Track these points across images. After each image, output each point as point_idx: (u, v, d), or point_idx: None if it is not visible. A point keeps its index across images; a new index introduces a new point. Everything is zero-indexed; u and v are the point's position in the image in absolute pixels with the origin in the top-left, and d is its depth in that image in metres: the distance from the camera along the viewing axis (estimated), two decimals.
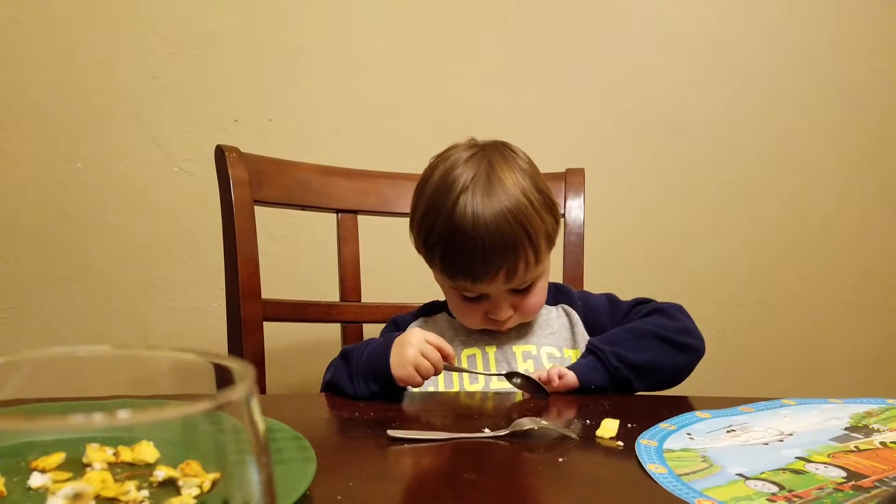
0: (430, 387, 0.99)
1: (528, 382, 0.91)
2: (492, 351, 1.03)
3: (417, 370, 0.89)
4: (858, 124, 1.76)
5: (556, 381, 0.91)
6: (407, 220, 1.10)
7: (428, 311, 1.10)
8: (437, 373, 0.91)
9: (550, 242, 1.00)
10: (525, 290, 0.99)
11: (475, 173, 0.95)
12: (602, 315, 1.07)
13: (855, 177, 1.77)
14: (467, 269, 0.94)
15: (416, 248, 1.04)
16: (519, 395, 0.92)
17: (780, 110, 1.73)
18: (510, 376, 0.92)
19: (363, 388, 0.90)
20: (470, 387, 1.00)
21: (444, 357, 0.91)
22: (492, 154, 0.98)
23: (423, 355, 0.89)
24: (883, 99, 1.76)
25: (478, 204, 0.93)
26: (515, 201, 0.94)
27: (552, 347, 1.04)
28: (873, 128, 1.76)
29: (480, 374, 0.99)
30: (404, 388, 0.92)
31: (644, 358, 0.94)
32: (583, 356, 0.97)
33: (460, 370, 0.97)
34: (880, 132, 1.77)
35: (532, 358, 1.02)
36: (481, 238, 0.92)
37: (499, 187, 0.94)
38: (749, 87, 1.71)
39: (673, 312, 1.01)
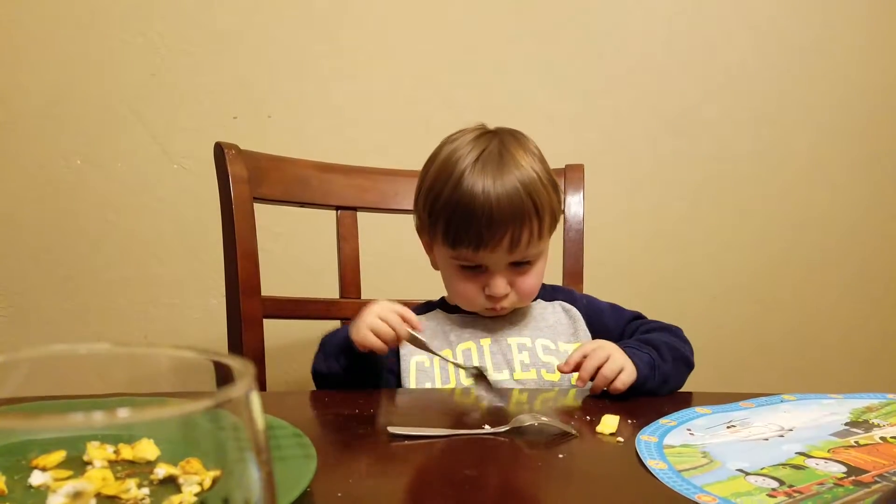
0: (427, 383, 1.00)
1: (484, 384, 0.89)
2: (486, 343, 1.03)
3: (375, 332, 0.88)
4: (855, 122, 1.76)
5: (620, 387, 0.87)
6: (406, 217, 1.11)
7: (422, 309, 1.11)
8: (398, 339, 0.89)
9: (554, 221, 1.02)
10: (524, 269, 1.00)
11: (486, 147, 0.98)
12: (607, 318, 1.09)
13: (852, 173, 1.77)
14: (472, 233, 0.95)
15: (419, 224, 1.05)
16: (515, 391, 0.92)
17: (777, 108, 1.73)
18: (473, 370, 0.90)
19: (334, 365, 0.92)
20: (467, 381, 1.00)
21: (407, 322, 0.90)
22: (503, 134, 1.02)
23: (381, 318, 0.88)
24: (880, 97, 1.76)
25: (489, 172, 0.95)
26: (526, 174, 0.97)
27: (547, 340, 1.04)
28: (870, 125, 1.76)
29: (445, 359, 0.96)
30: (375, 360, 0.92)
31: (677, 380, 0.96)
32: (637, 351, 0.93)
33: (425, 347, 0.92)
34: (877, 129, 1.77)
35: (527, 350, 1.02)
36: (489, 203, 0.94)
37: (510, 160, 0.97)
38: (748, 85, 1.71)
39: (683, 336, 1.04)
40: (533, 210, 0.96)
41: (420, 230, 1.07)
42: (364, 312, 0.90)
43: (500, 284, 0.99)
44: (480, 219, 0.94)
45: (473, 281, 1.01)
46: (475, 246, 0.96)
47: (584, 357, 0.89)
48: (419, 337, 0.90)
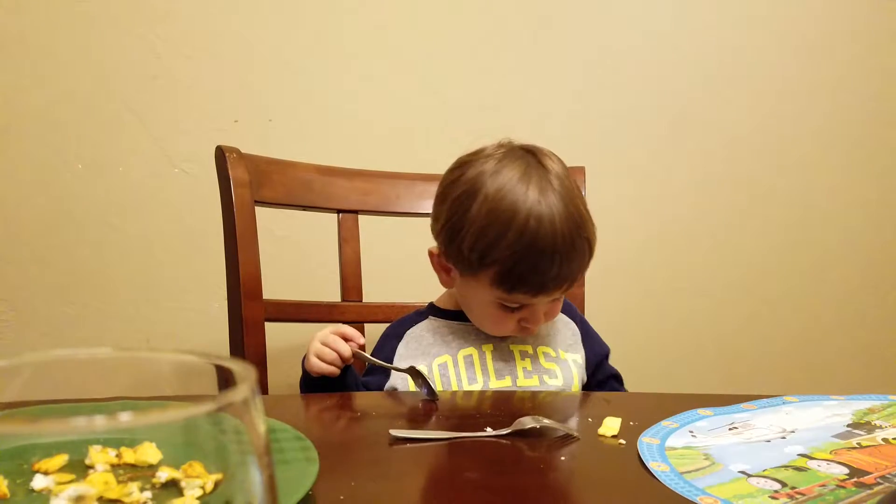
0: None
1: (423, 381, 0.89)
2: (489, 349, 1.03)
3: (320, 357, 0.93)
4: (859, 121, 1.76)
5: None
6: (408, 220, 1.10)
7: (415, 319, 1.09)
8: (345, 359, 0.93)
9: None
10: (559, 298, 1.01)
11: (540, 187, 0.94)
12: (597, 346, 1.11)
13: (856, 173, 1.77)
14: (536, 282, 0.94)
15: (455, 260, 0.99)
16: (515, 393, 0.92)
17: (780, 107, 1.73)
18: (409, 371, 0.91)
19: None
20: (469, 387, 1.00)
21: (349, 340, 0.94)
22: (549, 166, 0.98)
23: (324, 343, 0.93)
24: (883, 96, 1.76)
25: (557, 226, 0.92)
26: (581, 217, 0.96)
27: (548, 347, 1.05)
28: (874, 125, 1.76)
29: (383, 366, 0.98)
30: (339, 382, 0.96)
31: None
32: None
33: (367, 358, 0.95)
34: (881, 129, 1.77)
35: (529, 357, 1.03)
36: (559, 254, 0.92)
37: (569, 203, 0.95)
38: (750, 84, 1.71)
39: None
40: (588, 253, 0.97)
41: (444, 257, 1.02)
42: (311, 341, 0.95)
43: (541, 319, 0.99)
44: (549, 269, 0.93)
45: (512, 316, 0.99)
46: (535, 292, 0.95)
47: None
48: (361, 353, 0.95)
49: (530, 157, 0.98)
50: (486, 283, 0.96)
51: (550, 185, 0.95)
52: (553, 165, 0.98)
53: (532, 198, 0.93)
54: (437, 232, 1.01)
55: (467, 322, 1.06)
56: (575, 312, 1.13)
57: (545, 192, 0.94)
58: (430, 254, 1.05)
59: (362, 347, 0.96)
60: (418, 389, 0.90)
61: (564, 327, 1.09)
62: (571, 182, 0.98)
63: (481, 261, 0.95)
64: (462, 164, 0.99)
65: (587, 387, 1.07)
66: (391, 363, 1.02)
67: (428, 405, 0.86)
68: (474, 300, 1.01)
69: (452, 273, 1.02)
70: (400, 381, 1.01)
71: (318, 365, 0.94)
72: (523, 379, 1.00)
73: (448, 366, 1.01)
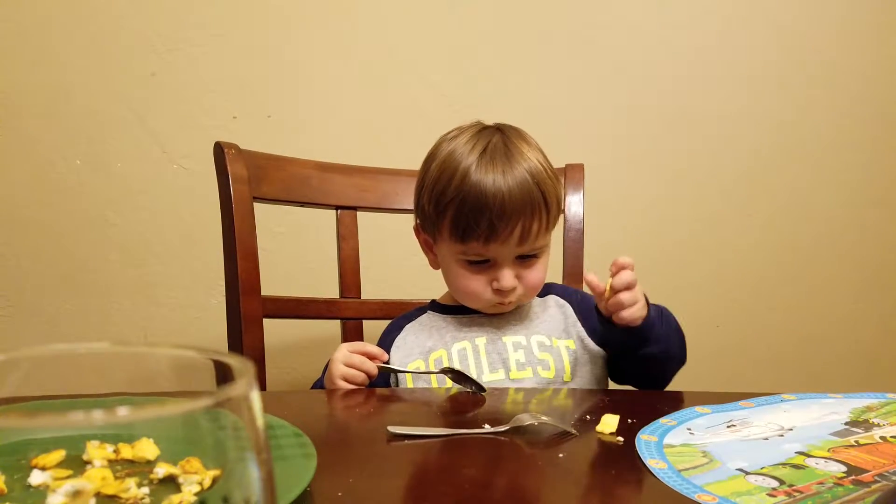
0: (423, 385, 1.00)
1: (461, 377, 0.90)
2: (482, 343, 1.03)
3: (348, 381, 0.94)
4: (859, 120, 1.76)
5: (625, 317, 0.92)
6: (407, 217, 1.10)
7: (413, 315, 1.11)
8: (371, 377, 0.94)
9: (558, 212, 1.03)
10: (530, 262, 1.01)
11: (490, 140, 1.00)
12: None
13: (856, 172, 1.77)
14: (483, 225, 0.95)
15: (420, 223, 1.05)
16: (512, 390, 0.92)
17: (779, 107, 1.73)
18: (445, 372, 0.91)
19: None
20: (450, 383, 1.00)
21: (374, 357, 0.95)
22: (504, 128, 1.04)
23: (349, 366, 0.94)
24: (883, 96, 1.76)
25: (497, 164, 0.96)
26: (533, 165, 0.98)
27: (542, 336, 1.04)
28: (875, 123, 1.76)
29: (416, 372, 0.99)
30: None
31: (675, 350, 1.01)
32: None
33: (395, 370, 0.98)
34: (881, 128, 1.77)
35: (522, 348, 1.02)
36: (501, 193, 0.94)
37: (516, 152, 0.99)
38: (749, 83, 1.71)
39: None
40: (542, 201, 0.97)
41: (420, 229, 1.06)
42: (331, 366, 0.95)
43: (508, 277, 0.99)
44: (492, 210, 0.94)
45: (481, 275, 1.00)
46: (486, 238, 0.96)
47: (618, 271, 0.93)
48: (388, 365, 0.96)
49: (493, 128, 1.03)
50: (447, 238, 1.00)
51: (501, 141, 1.00)
52: (513, 135, 1.02)
53: (479, 150, 0.98)
54: (415, 203, 1.06)
55: (463, 315, 1.06)
56: (571, 292, 1.12)
57: (496, 145, 0.99)
58: (415, 231, 1.08)
59: (386, 362, 0.97)
60: (462, 388, 0.89)
61: (559, 311, 1.08)
62: (534, 147, 1.02)
63: (437, 210, 0.99)
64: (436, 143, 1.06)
65: (624, 364, 1.05)
66: (389, 356, 1.03)
67: (426, 399, 0.86)
68: (448, 267, 1.04)
69: (433, 247, 1.06)
70: (403, 380, 1.01)
71: (345, 388, 0.94)
72: (516, 372, 1.00)
73: (443, 361, 1.01)
